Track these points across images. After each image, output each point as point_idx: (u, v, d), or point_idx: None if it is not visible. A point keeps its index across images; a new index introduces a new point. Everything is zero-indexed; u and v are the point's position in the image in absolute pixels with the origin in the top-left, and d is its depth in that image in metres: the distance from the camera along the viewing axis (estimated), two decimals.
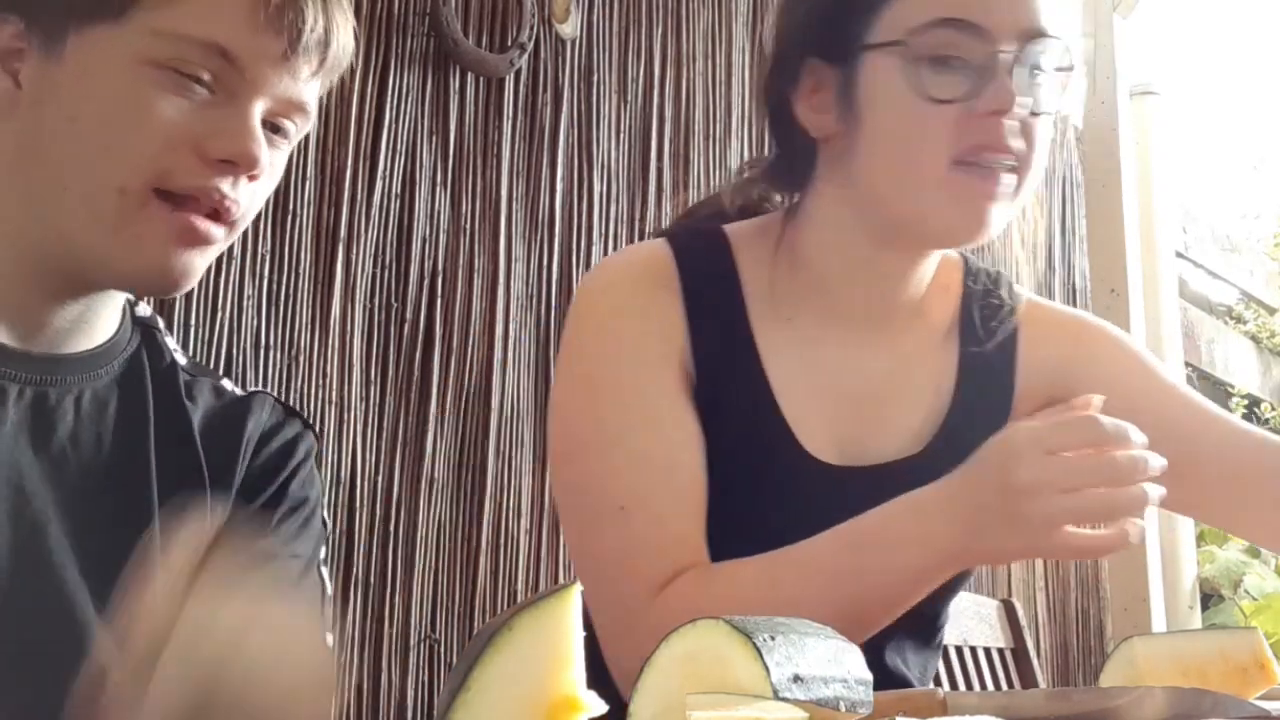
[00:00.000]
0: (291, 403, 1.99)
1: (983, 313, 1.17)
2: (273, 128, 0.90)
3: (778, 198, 1.20)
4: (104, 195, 0.84)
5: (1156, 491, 0.87)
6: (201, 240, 0.86)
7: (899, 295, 1.13)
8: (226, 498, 0.96)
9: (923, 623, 1.14)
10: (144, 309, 0.99)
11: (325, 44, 0.89)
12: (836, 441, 1.11)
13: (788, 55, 1.10)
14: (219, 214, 0.87)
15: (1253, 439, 1.13)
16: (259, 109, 0.87)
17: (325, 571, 1.02)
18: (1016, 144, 1.01)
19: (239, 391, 1.01)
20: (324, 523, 1.03)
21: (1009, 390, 1.16)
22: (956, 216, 1.03)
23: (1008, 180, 1.02)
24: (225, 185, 0.86)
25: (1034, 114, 1.02)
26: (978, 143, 1.00)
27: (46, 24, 0.85)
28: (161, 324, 1.01)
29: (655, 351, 1.07)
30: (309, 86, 0.90)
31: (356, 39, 0.94)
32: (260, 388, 1.05)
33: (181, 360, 0.99)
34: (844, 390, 1.12)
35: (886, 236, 1.09)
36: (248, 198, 0.89)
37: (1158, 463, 0.87)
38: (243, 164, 0.86)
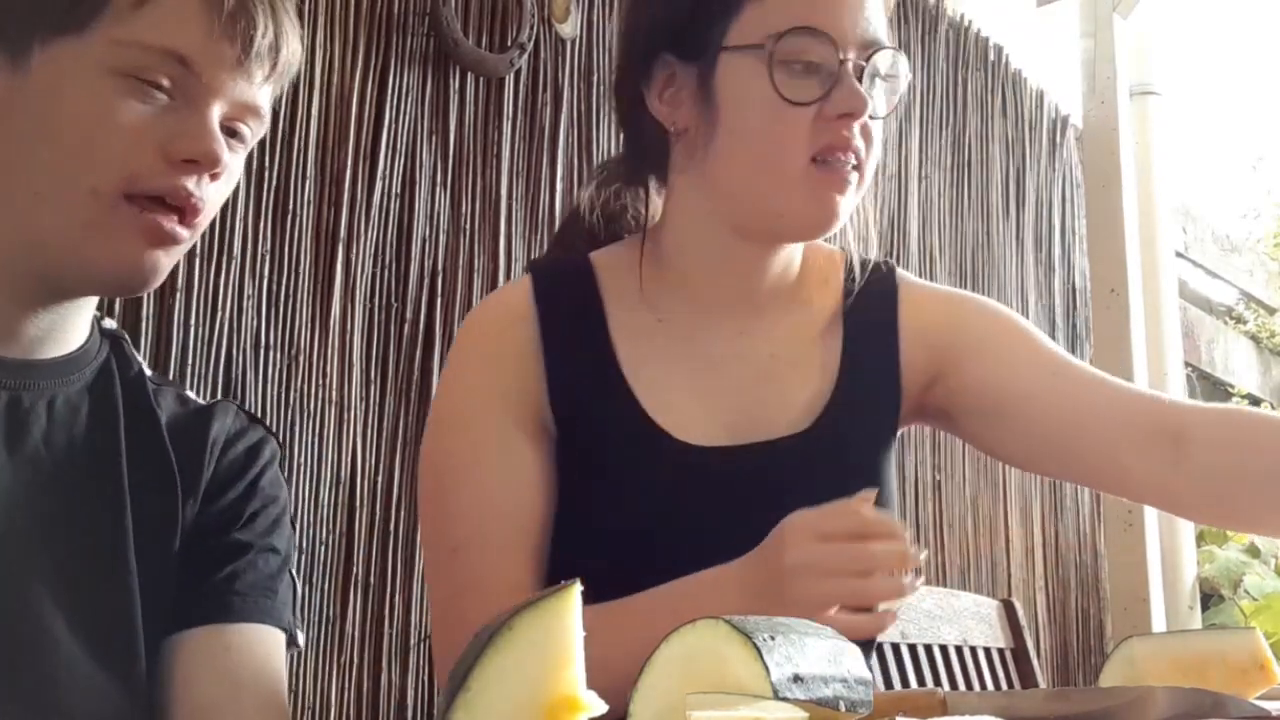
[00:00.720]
0: (291, 403, 2.00)
1: (863, 300, 1.22)
2: (229, 132, 0.94)
3: (638, 209, 1.25)
4: (76, 198, 0.87)
5: (913, 583, 0.92)
6: (169, 239, 0.90)
7: (763, 284, 1.18)
8: (196, 494, 0.98)
9: None
10: (110, 322, 1.02)
11: (276, 50, 0.94)
12: (724, 425, 1.14)
13: (641, 50, 1.15)
14: (184, 213, 0.91)
15: (1136, 397, 1.17)
16: (217, 112, 0.92)
17: (296, 576, 1.05)
18: (858, 144, 1.09)
19: (202, 401, 1.03)
20: (292, 525, 1.05)
21: (894, 366, 1.20)
22: (812, 210, 1.09)
23: (853, 176, 1.10)
24: (190, 184, 0.90)
25: (872, 117, 1.10)
26: (829, 143, 1.07)
27: (12, 40, 0.88)
28: (128, 337, 1.04)
29: (498, 396, 1.12)
30: (262, 91, 0.95)
31: (304, 45, 0.99)
32: (232, 398, 1.08)
33: (147, 371, 1.02)
34: (724, 378, 1.16)
35: (743, 228, 1.14)
36: (210, 195, 0.93)
37: (916, 555, 0.92)
38: (205, 163, 0.90)
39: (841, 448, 1.15)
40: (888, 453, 1.20)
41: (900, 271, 1.27)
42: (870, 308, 1.21)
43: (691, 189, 1.15)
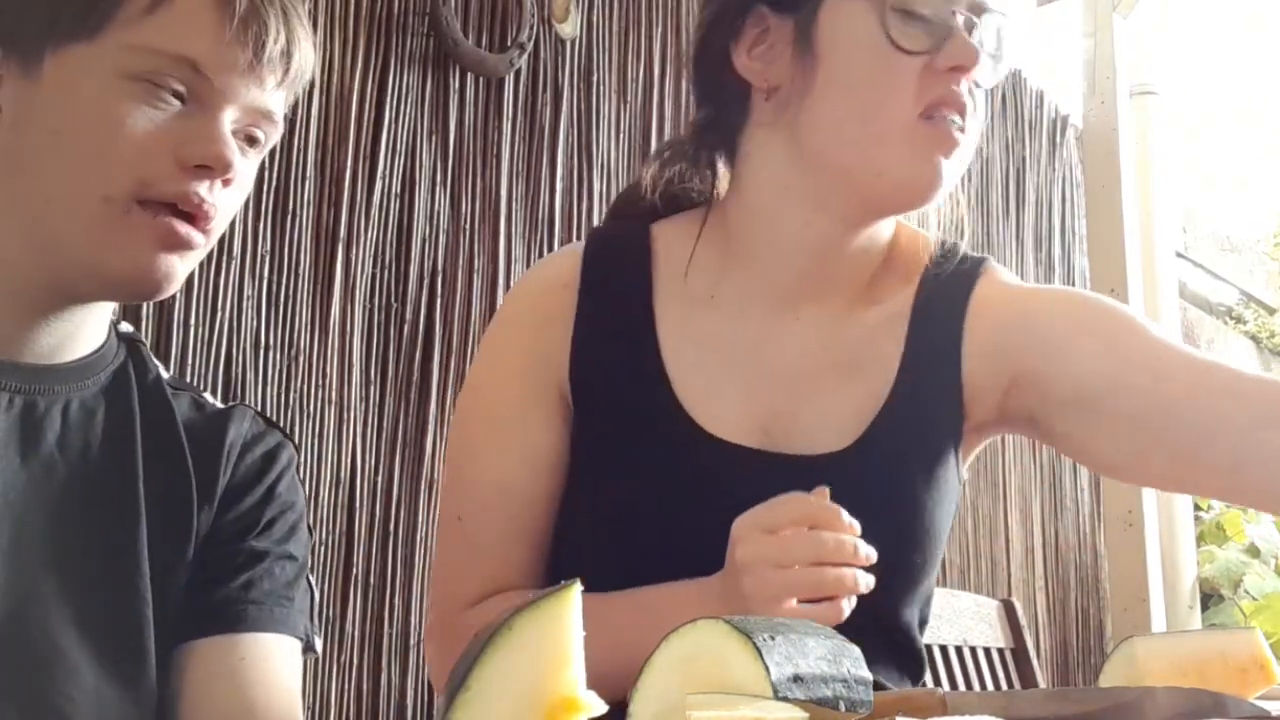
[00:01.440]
0: (291, 403, 2.00)
1: (936, 296, 1.12)
2: (244, 138, 0.94)
3: (696, 181, 1.18)
4: (89, 203, 0.87)
5: (865, 579, 0.90)
6: (183, 244, 0.90)
7: (836, 269, 1.10)
8: (212, 500, 0.97)
9: (888, 628, 1.11)
10: (126, 326, 1.01)
11: (288, 55, 0.93)
12: (758, 421, 1.08)
13: (731, 6, 1.09)
14: (197, 218, 0.90)
15: (1245, 380, 1.01)
16: (229, 117, 0.91)
17: (313, 581, 1.04)
18: (968, 104, 1.03)
19: (219, 404, 1.03)
20: (310, 531, 1.05)
21: (956, 380, 1.10)
22: (916, 170, 1.02)
23: (962, 139, 1.03)
24: (202, 189, 0.90)
25: (977, 84, 1.04)
26: (939, 97, 1.01)
27: (23, 46, 0.88)
28: (145, 340, 1.03)
29: (520, 369, 1.11)
30: (274, 96, 0.95)
31: (316, 51, 0.99)
32: (242, 400, 1.07)
33: (164, 374, 1.01)
34: (767, 366, 1.10)
35: (831, 195, 1.06)
36: (223, 202, 0.92)
37: (866, 550, 0.90)
38: (217, 168, 0.90)
39: (877, 473, 1.06)
40: (942, 468, 1.09)
41: (991, 265, 1.15)
42: (941, 308, 1.11)
43: (774, 154, 1.07)
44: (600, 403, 1.10)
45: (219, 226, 0.93)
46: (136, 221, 0.88)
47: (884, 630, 1.10)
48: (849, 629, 1.03)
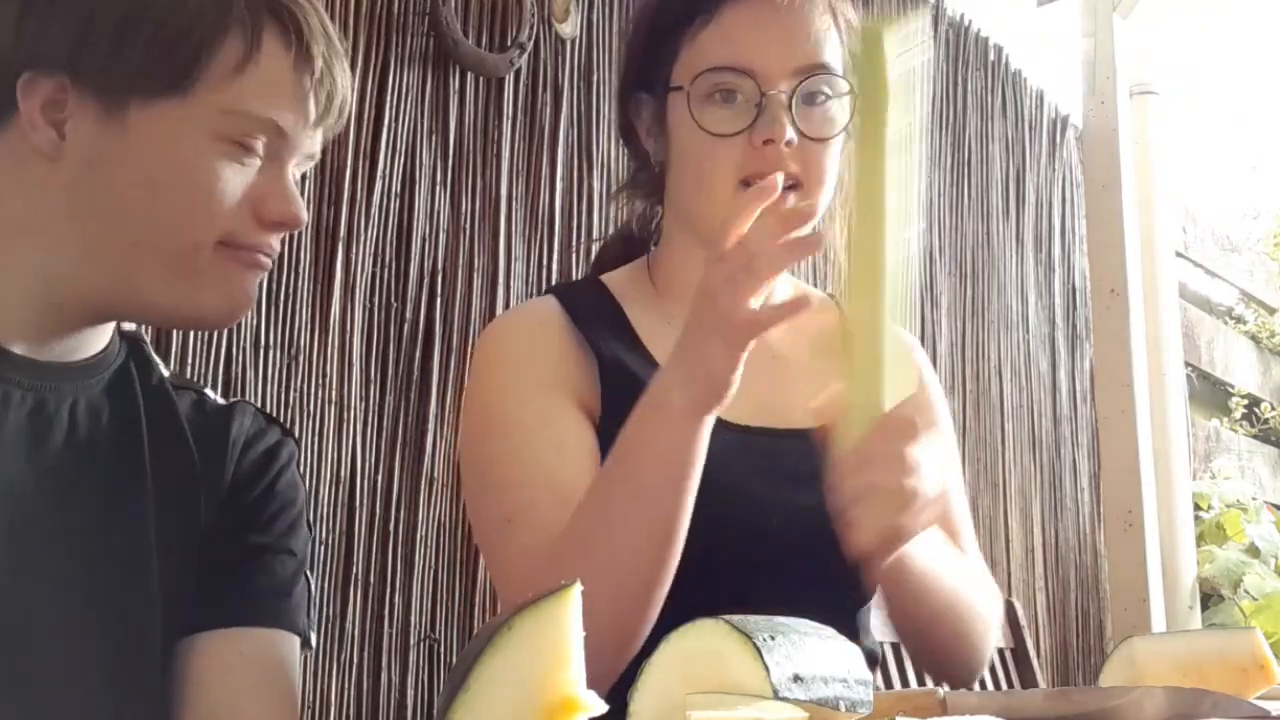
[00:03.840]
0: (291, 403, 2.00)
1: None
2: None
3: (651, 221, 1.36)
4: (179, 251, 0.92)
5: (815, 238, 0.98)
6: (263, 269, 0.96)
7: None
8: (218, 496, 0.98)
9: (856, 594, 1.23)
10: (128, 324, 1.02)
11: (344, 109, 1.00)
12: (752, 406, 1.19)
13: (624, 87, 1.30)
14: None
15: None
16: (292, 167, 0.97)
17: (312, 577, 1.05)
18: (794, 168, 1.15)
19: (221, 400, 1.04)
20: (310, 527, 1.05)
21: None
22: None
23: (791, 198, 1.15)
24: (275, 241, 0.96)
25: (813, 139, 1.17)
26: (757, 168, 1.15)
27: (105, 89, 0.90)
28: (145, 338, 1.05)
29: (543, 380, 1.19)
30: (320, 140, 1.01)
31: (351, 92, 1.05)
32: (242, 397, 1.09)
33: (165, 372, 1.02)
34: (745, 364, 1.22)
35: (706, 242, 1.22)
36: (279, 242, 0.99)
37: (804, 207, 1.00)
38: (292, 225, 0.96)
39: None
40: None
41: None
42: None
43: (671, 209, 1.28)
44: (624, 406, 1.15)
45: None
46: (219, 258, 0.93)
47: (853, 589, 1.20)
48: (842, 582, 1.13)
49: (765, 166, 1.14)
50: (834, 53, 1.21)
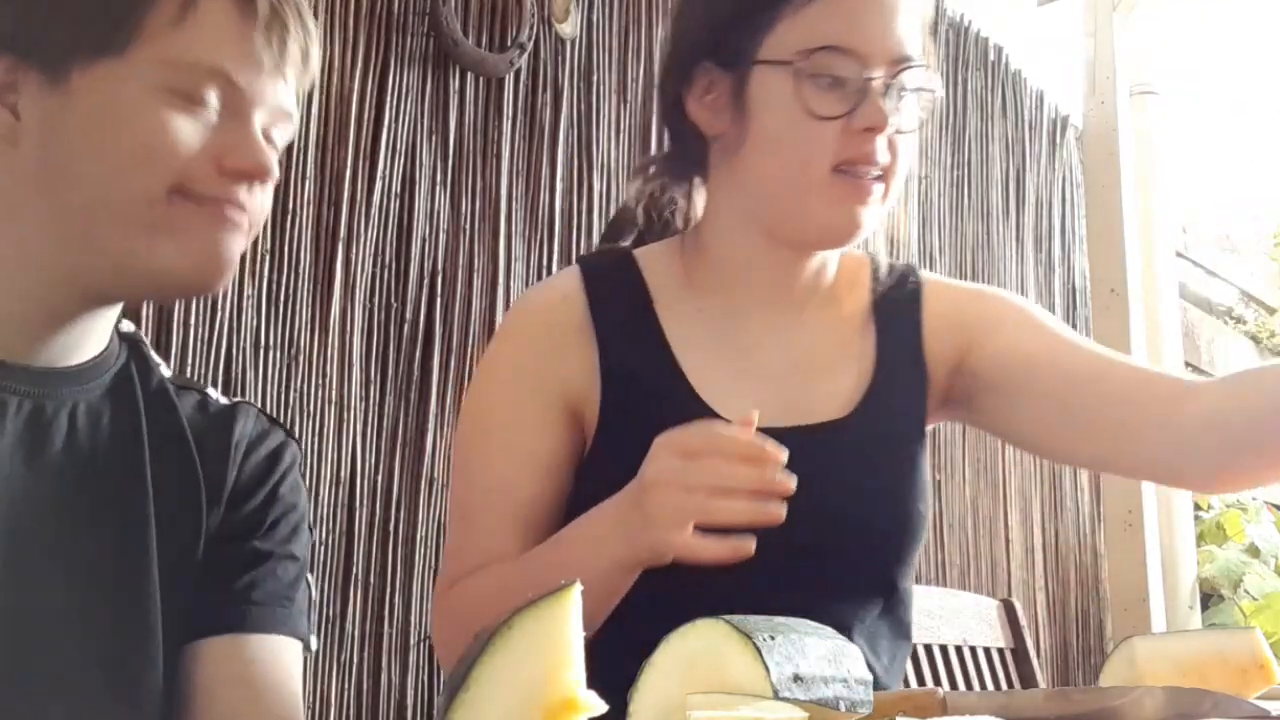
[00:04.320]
0: (291, 403, 2.00)
1: (891, 299, 1.28)
2: (265, 137, 0.95)
3: (683, 203, 1.29)
4: (135, 203, 0.88)
5: (776, 510, 0.92)
6: (233, 223, 0.91)
7: (797, 284, 1.23)
8: (220, 501, 0.97)
9: (889, 596, 1.20)
10: (128, 325, 1.01)
11: (306, 53, 0.96)
12: (764, 407, 1.14)
13: (684, 56, 1.21)
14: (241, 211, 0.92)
15: (1146, 370, 1.22)
16: (259, 121, 0.93)
17: (312, 580, 1.05)
18: (883, 157, 1.13)
19: (224, 401, 1.03)
20: (310, 530, 1.05)
21: (920, 359, 1.26)
22: (835, 218, 1.15)
23: (876, 188, 1.14)
24: (241, 192, 0.92)
25: (899, 131, 1.14)
26: (852, 156, 1.12)
27: (46, 60, 0.89)
28: (146, 339, 1.04)
29: (531, 377, 1.19)
30: (291, 93, 0.97)
31: (323, 47, 1.01)
32: (244, 398, 1.08)
33: (166, 373, 1.01)
34: (766, 362, 1.21)
35: (775, 231, 1.19)
36: (259, 200, 0.94)
37: (784, 477, 0.92)
38: (258, 175, 0.92)
39: (879, 435, 1.20)
40: (922, 444, 1.25)
41: (923, 272, 1.33)
42: (899, 307, 1.27)
43: (728, 192, 1.21)
44: (630, 400, 1.18)
45: (258, 221, 0.95)
46: (183, 211, 0.89)
47: (883, 590, 1.19)
48: (853, 585, 1.16)
49: (861, 154, 1.12)
50: (926, 45, 1.18)
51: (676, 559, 0.96)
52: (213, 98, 0.90)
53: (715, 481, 0.92)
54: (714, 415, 1.13)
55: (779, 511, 0.92)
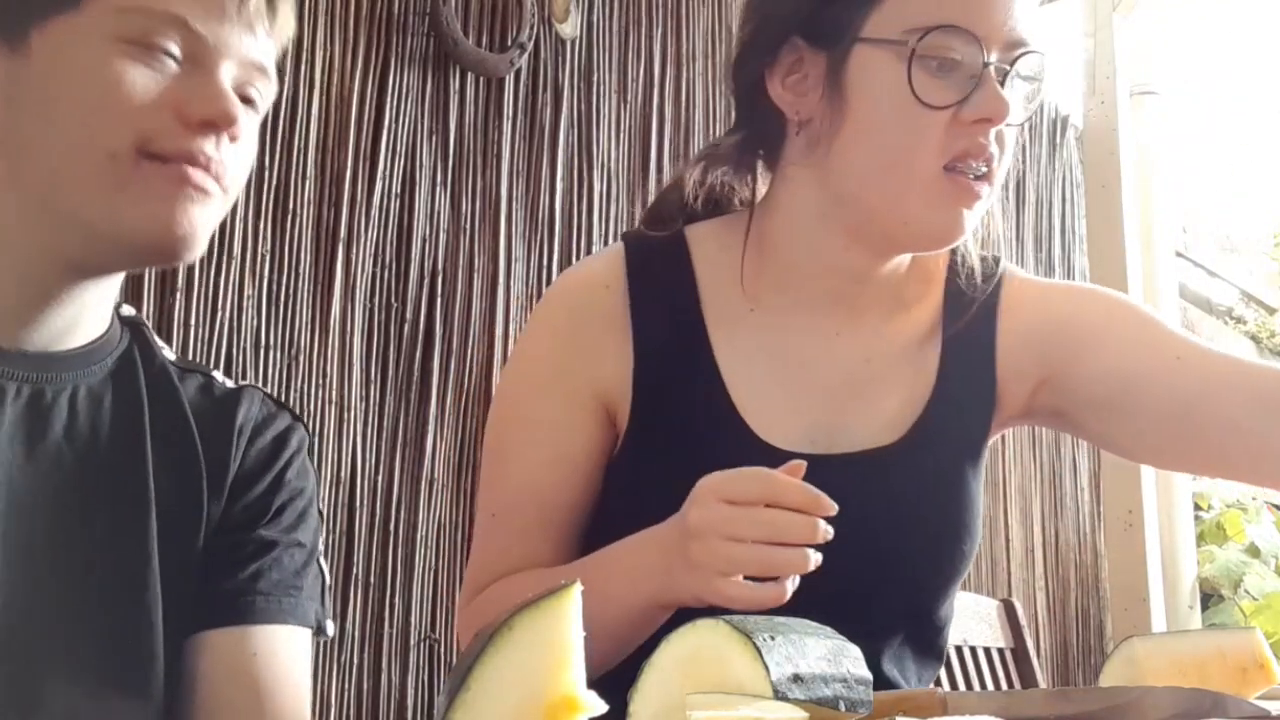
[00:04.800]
0: (291, 403, 2.00)
1: (967, 301, 1.15)
2: (242, 97, 0.92)
3: (744, 191, 1.18)
4: (94, 164, 0.86)
5: (815, 558, 0.87)
6: (198, 188, 0.88)
7: (870, 287, 1.12)
8: (222, 489, 0.96)
9: (923, 624, 1.13)
10: (129, 309, 1.00)
11: (272, 5, 0.93)
12: (806, 429, 1.10)
13: (769, 31, 1.08)
14: (208, 172, 0.89)
15: (1264, 369, 1.07)
16: (227, 73, 0.90)
17: (324, 563, 1.03)
18: (994, 151, 1.03)
19: (229, 384, 1.01)
20: (320, 514, 1.04)
21: (991, 375, 1.14)
22: (938, 220, 1.04)
23: (984, 189, 1.04)
24: (209, 146, 0.88)
25: (1008, 124, 1.03)
26: (965, 149, 1.01)
27: (8, 26, 0.88)
28: (148, 323, 1.02)
29: (560, 373, 1.12)
30: (265, 48, 0.94)
31: (295, 6, 0.98)
32: (250, 382, 1.06)
33: (170, 356, 1.00)
34: (813, 379, 1.12)
35: (860, 230, 1.08)
36: (231, 160, 0.91)
37: (825, 529, 0.87)
38: (222, 123, 0.88)
39: (926, 463, 1.10)
40: (975, 465, 1.15)
41: (1010, 270, 1.19)
42: (972, 315, 1.15)
43: (808, 183, 1.09)
44: (662, 407, 1.11)
45: (233, 183, 0.92)
46: (146, 173, 0.86)
47: (918, 622, 1.12)
48: (887, 620, 1.09)
49: (973, 147, 1.01)
50: (1037, 29, 1.04)
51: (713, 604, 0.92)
52: (173, 47, 0.88)
53: (766, 535, 0.87)
54: (751, 435, 1.08)
55: (819, 558, 0.88)
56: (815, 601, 0.89)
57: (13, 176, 0.88)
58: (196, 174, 0.88)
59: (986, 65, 1.00)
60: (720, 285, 1.13)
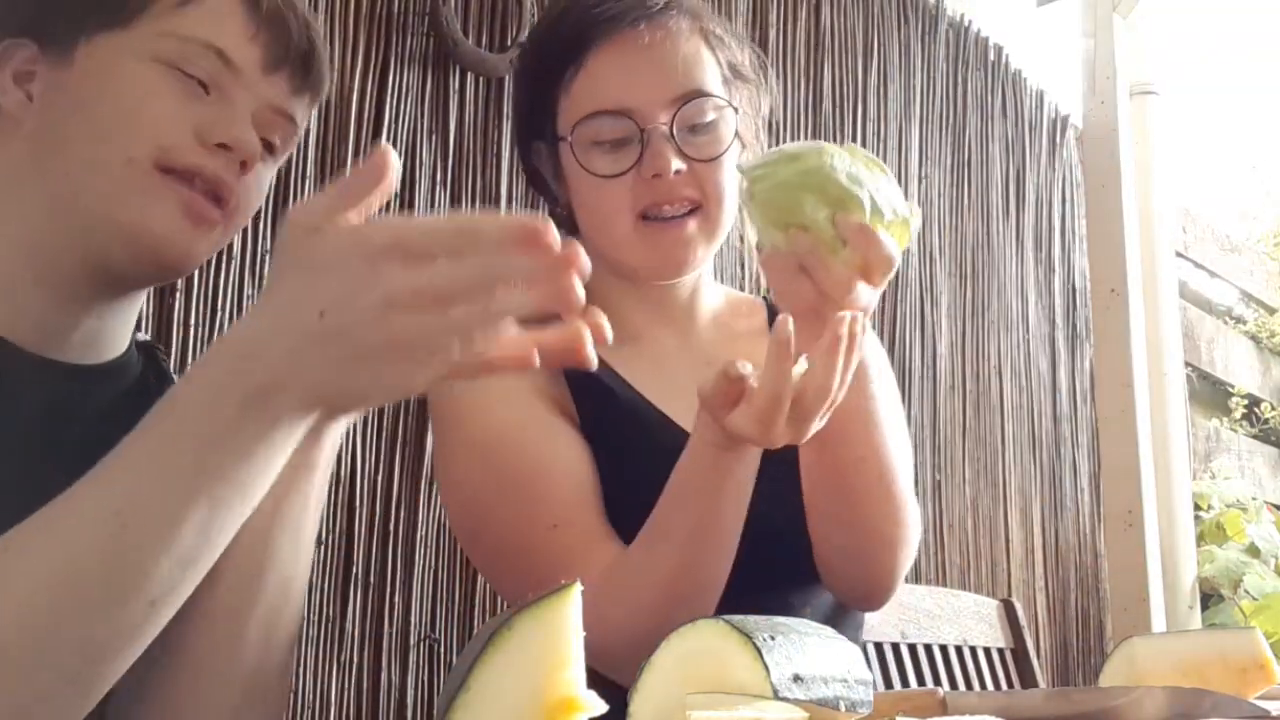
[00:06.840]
0: None
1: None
2: (262, 140, 0.97)
3: None
4: (114, 166, 0.91)
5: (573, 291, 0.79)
6: (203, 217, 0.93)
7: (677, 305, 1.31)
8: None
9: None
10: (144, 335, 1.03)
11: (307, 60, 0.99)
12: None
13: (522, 138, 1.35)
14: (218, 198, 0.94)
15: None
16: (249, 107, 0.96)
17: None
18: (689, 193, 1.20)
19: None
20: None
21: None
22: (654, 259, 1.23)
23: (688, 223, 1.20)
24: (221, 168, 0.94)
25: (700, 160, 1.20)
26: (653, 200, 1.19)
27: (59, 39, 0.93)
28: (161, 349, 1.05)
29: (534, 394, 1.21)
30: (293, 100, 1.00)
31: (331, 67, 1.05)
32: None
33: None
34: (684, 378, 1.22)
35: (613, 271, 1.26)
36: (243, 190, 0.96)
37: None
38: (238, 149, 0.94)
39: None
40: None
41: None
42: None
43: None
44: (605, 432, 1.22)
45: (239, 216, 0.96)
46: (158, 185, 0.91)
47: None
48: (809, 577, 1.21)
49: (659, 197, 1.19)
50: (711, 72, 1.23)
51: None
52: (205, 76, 0.94)
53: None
54: (673, 424, 1.21)
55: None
56: (752, 578, 1.07)
57: (44, 177, 0.92)
58: (200, 201, 0.93)
59: (645, 130, 1.18)
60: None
